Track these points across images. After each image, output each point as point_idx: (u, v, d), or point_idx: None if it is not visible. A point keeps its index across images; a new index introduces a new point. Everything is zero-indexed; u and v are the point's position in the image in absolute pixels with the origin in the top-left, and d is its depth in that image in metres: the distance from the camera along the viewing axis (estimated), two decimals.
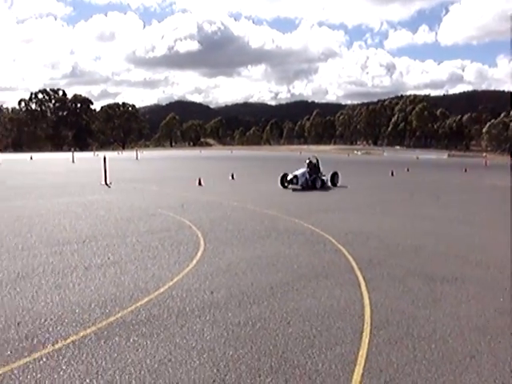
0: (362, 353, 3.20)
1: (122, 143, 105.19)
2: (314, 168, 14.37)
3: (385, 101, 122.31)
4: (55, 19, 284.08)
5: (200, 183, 14.76)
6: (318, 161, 14.80)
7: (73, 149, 42.14)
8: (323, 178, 14.70)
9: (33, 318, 3.76)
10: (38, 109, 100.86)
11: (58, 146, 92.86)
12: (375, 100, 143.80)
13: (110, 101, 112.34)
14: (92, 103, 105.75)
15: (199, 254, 5.85)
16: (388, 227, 7.87)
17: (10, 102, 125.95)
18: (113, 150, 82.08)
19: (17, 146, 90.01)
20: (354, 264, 5.43)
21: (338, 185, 14.95)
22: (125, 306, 4.03)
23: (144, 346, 3.28)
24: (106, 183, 14.89)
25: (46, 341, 3.36)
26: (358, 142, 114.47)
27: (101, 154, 51.64)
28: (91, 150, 64.19)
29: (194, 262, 5.47)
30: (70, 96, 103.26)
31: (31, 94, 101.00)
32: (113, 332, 3.51)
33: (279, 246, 6.35)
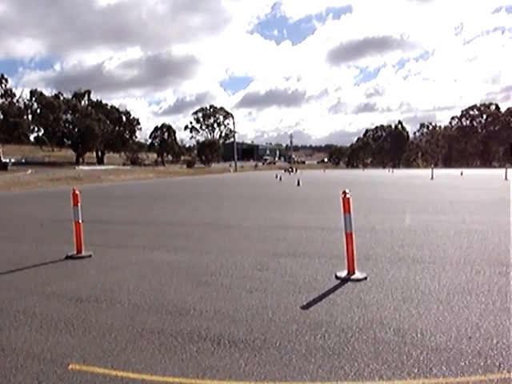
0: None
1: None
2: None
3: None
4: (502, 33, 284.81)
5: None
6: None
7: (507, 165, 40.20)
8: None
9: (484, 337, 3.72)
10: (469, 125, 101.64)
11: (486, 161, 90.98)
12: None
13: None
14: None
15: None
16: None
17: (446, 121, 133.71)
18: None
19: (446, 162, 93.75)
20: None
21: None
22: None
23: None
24: None
25: (500, 365, 3.25)
26: None
27: None
28: None
29: None
30: (503, 110, 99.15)
31: (462, 111, 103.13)
32: None
33: None
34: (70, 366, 3.34)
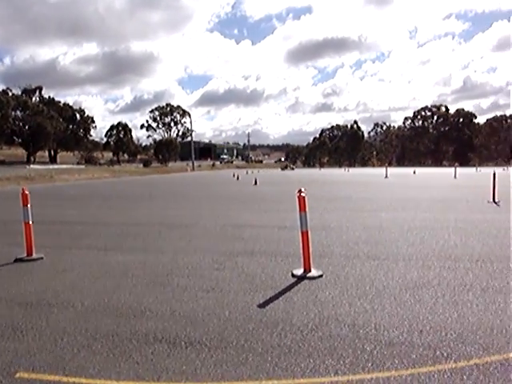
0: None
1: (507, 159, 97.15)
2: None
3: None
4: (452, 38, 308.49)
5: None
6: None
7: (456, 164, 41.90)
8: None
9: (434, 329, 3.85)
10: (421, 125, 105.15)
11: (437, 160, 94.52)
12: None
13: (501, 113, 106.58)
14: (475, 117, 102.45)
15: None
16: None
17: (400, 121, 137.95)
18: (496, 165, 76.93)
19: (400, 161, 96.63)
20: None
21: None
22: None
23: None
24: (495, 201, 14.01)
25: (448, 355, 3.37)
26: None
27: (483, 169, 49.29)
28: (473, 166, 62.19)
29: None
30: (452, 111, 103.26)
31: (414, 111, 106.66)
32: None
33: None
34: (18, 375, 3.21)
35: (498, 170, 30.94)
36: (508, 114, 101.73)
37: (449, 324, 3.97)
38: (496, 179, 14.59)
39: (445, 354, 3.39)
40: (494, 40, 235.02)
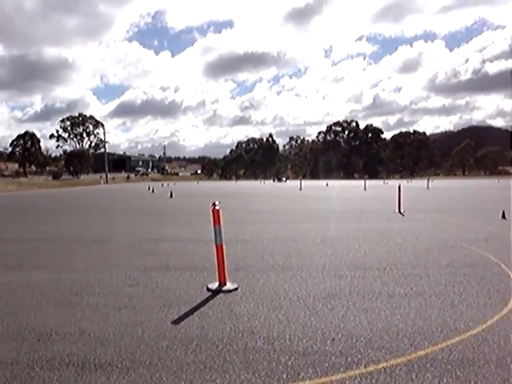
0: None
1: (411, 171, 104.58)
2: None
3: None
4: (363, 58, 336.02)
5: (504, 216, 13.22)
6: None
7: (366, 176, 44.23)
8: None
9: (345, 337, 3.97)
10: (334, 139, 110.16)
11: (349, 173, 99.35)
12: None
13: (405, 129, 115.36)
14: (382, 132, 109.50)
15: None
16: None
17: (314, 135, 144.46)
18: (401, 178, 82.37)
19: (314, 173, 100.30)
20: None
21: None
22: (434, 341, 3.85)
23: None
24: (400, 211, 14.94)
25: (358, 361, 3.50)
26: None
27: (390, 182, 52.51)
28: (381, 178, 66.08)
29: (511, 305, 4.86)
30: (362, 127, 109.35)
31: (327, 126, 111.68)
32: (424, 367, 3.38)
33: None
34: None
35: (403, 183, 33.10)
36: (411, 131, 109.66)
37: (359, 331, 4.11)
38: (401, 191, 15.58)
39: (355, 360, 3.51)
40: (400, 62, 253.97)
